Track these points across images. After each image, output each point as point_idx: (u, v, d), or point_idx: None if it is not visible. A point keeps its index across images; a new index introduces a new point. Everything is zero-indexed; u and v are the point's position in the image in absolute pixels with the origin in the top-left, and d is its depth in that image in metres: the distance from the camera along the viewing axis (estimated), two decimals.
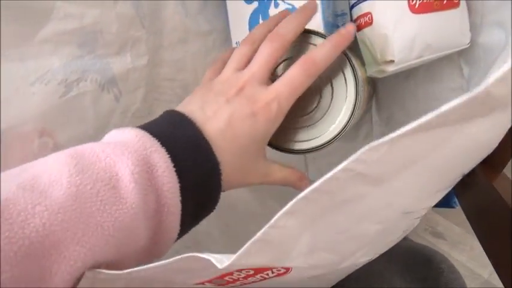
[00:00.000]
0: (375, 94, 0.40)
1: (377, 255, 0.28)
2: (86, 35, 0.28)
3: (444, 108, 0.14)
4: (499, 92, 0.15)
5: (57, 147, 0.28)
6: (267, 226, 0.16)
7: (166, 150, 0.22)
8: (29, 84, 0.25)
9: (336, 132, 0.28)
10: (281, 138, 0.29)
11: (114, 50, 0.30)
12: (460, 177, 0.24)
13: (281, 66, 0.29)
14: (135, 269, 0.18)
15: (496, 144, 0.22)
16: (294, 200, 0.16)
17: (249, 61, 0.27)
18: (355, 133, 0.41)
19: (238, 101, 0.25)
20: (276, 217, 0.16)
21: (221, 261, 0.17)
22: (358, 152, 0.15)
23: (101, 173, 0.20)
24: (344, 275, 0.30)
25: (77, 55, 0.28)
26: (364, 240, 0.23)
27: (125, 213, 0.20)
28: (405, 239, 0.46)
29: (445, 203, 0.37)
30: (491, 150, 0.23)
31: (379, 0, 0.29)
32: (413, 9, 0.28)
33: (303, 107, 0.29)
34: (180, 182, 0.22)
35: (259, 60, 0.27)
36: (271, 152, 0.41)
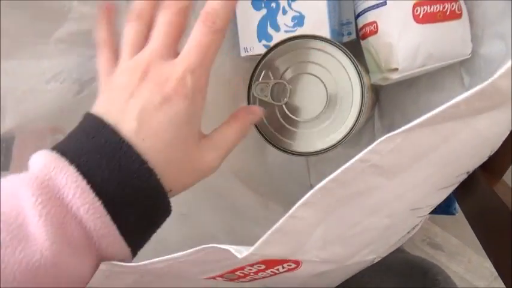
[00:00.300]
0: (378, 102, 0.40)
1: (380, 258, 0.29)
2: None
3: (456, 99, 0.15)
4: (505, 85, 0.15)
5: None
6: (286, 216, 0.17)
7: (76, 167, 0.20)
8: (45, 82, 0.26)
9: (340, 137, 0.29)
10: (286, 140, 0.30)
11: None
12: (465, 176, 0.25)
13: (275, 64, 0.29)
14: (152, 260, 0.18)
15: (499, 143, 0.23)
16: (312, 191, 0.17)
17: (146, 39, 0.24)
18: (357, 140, 0.42)
19: (144, 89, 0.22)
20: (294, 207, 0.17)
21: (240, 251, 0.17)
22: (374, 143, 0.16)
23: (7, 212, 0.18)
24: (348, 275, 0.30)
25: (91, 55, 0.29)
26: (373, 235, 0.24)
27: (37, 250, 0.18)
28: (402, 251, 0.47)
29: (445, 209, 0.38)
30: (495, 149, 0.23)
31: (384, 10, 0.30)
32: (418, 19, 0.29)
33: (310, 111, 0.29)
34: (101, 199, 0.19)
35: (159, 34, 0.23)
36: (275, 154, 0.42)
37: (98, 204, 0.19)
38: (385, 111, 0.40)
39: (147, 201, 0.21)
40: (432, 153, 0.18)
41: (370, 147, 0.16)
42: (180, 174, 0.23)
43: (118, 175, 0.20)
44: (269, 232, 0.17)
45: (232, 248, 0.17)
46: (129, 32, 0.24)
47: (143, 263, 0.19)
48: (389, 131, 0.42)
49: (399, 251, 0.41)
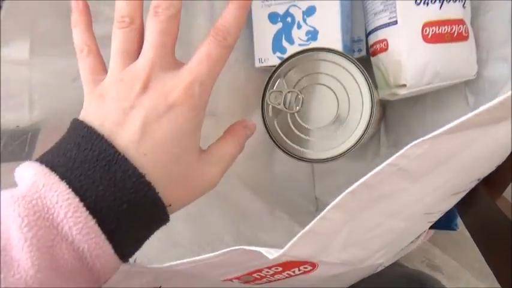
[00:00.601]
0: (384, 117, 0.42)
1: (389, 263, 0.30)
2: None
3: (480, 109, 0.16)
4: None
5: None
6: (318, 217, 0.18)
7: (68, 183, 0.18)
8: (71, 80, 0.28)
9: (348, 146, 0.30)
10: (295, 147, 0.31)
11: None
12: (476, 183, 0.26)
13: (289, 74, 0.31)
14: (178, 262, 0.19)
15: (509, 152, 0.24)
16: (343, 194, 0.18)
17: (138, 46, 0.23)
18: (363, 153, 0.43)
19: (147, 99, 0.21)
20: (327, 209, 0.18)
21: (270, 252, 0.18)
22: (404, 148, 0.17)
23: None
24: (358, 278, 0.31)
25: None
26: (390, 238, 0.25)
27: (21, 279, 0.16)
28: (401, 265, 0.47)
29: (446, 225, 0.39)
30: (504, 157, 0.24)
31: (395, 29, 0.31)
32: (427, 39, 0.31)
33: (321, 120, 0.31)
34: (95, 217, 0.18)
35: (152, 44, 0.22)
36: (282, 163, 0.43)
37: (92, 223, 0.18)
38: (391, 127, 0.41)
39: (145, 216, 0.20)
40: (453, 159, 0.20)
41: (401, 152, 0.17)
42: (180, 189, 0.22)
43: (113, 190, 0.19)
44: (301, 233, 0.18)
45: (263, 250, 0.18)
46: (120, 38, 0.23)
47: (169, 264, 0.19)
48: (394, 146, 0.43)
49: (397, 265, 0.42)
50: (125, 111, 0.21)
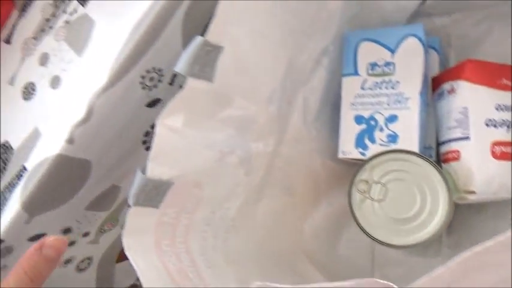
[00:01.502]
0: None
1: None
2: (243, 122, 0.38)
3: None
4: None
5: (200, 199, 0.36)
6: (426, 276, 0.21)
7: None
8: (202, 147, 0.35)
9: (419, 240, 0.34)
10: (371, 228, 0.35)
11: (255, 137, 0.40)
12: None
13: (376, 168, 0.36)
14: (307, 286, 0.23)
15: None
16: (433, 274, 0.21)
17: None
18: (424, 249, 0.46)
19: None
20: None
21: None
22: (453, 261, 0.20)
23: None
24: None
25: (233, 135, 0.37)
26: None
27: None
28: None
29: None
30: None
31: (467, 143, 0.37)
32: (495, 156, 0.36)
33: (400, 212, 0.35)
34: None
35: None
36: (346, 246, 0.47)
37: None
38: (454, 230, 0.45)
39: None
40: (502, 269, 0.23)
41: (449, 263, 0.20)
42: None
43: None
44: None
45: (395, 285, 0.21)
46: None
47: (291, 286, 0.23)
48: (454, 248, 0.47)
49: None
50: None
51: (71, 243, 0.44)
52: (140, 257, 0.32)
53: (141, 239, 0.33)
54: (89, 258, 0.49)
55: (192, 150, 0.34)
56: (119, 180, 0.43)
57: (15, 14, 0.42)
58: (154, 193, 0.32)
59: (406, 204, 0.35)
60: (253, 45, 0.35)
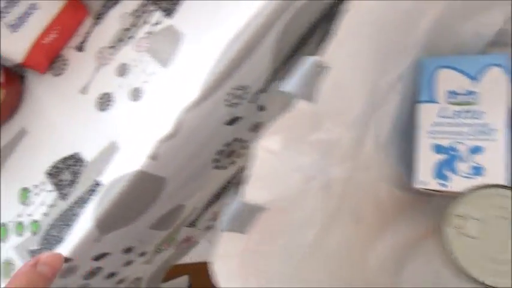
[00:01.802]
0: None
1: None
2: (328, 146, 0.36)
3: None
4: None
5: (284, 224, 0.34)
6: None
7: None
8: (293, 171, 0.33)
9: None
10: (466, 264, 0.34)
11: (335, 161, 0.38)
12: None
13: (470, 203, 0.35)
14: None
15: None
16: None
17: None
18: None
19: None
20: None
21: None
22: None
23: None
24: None
25: (317, 159, 0.36)
26: None
27: None
28: None
29: None
30: None
31: None
32: None
33: (496, 250, 0.33)
34: None
35: None
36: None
37: None
38: None
39: None
40: None
41: None
42: None
43: None
44: None
45: None
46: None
47: None
48: None
49: None
50: None
51: (128, 263, 0.42)
52: (226, 282, 0.30)
53: (227, 264, 0.31)
54: (138, 279, 0.47)
55: (285, 174, 0.32)
56: (185, 199, 0.41)
57: (89, 21, 0.41)
58: (247, 219, 0.30)
59: (505, 243, 0.33)
60: (350, 66, 0.33)
